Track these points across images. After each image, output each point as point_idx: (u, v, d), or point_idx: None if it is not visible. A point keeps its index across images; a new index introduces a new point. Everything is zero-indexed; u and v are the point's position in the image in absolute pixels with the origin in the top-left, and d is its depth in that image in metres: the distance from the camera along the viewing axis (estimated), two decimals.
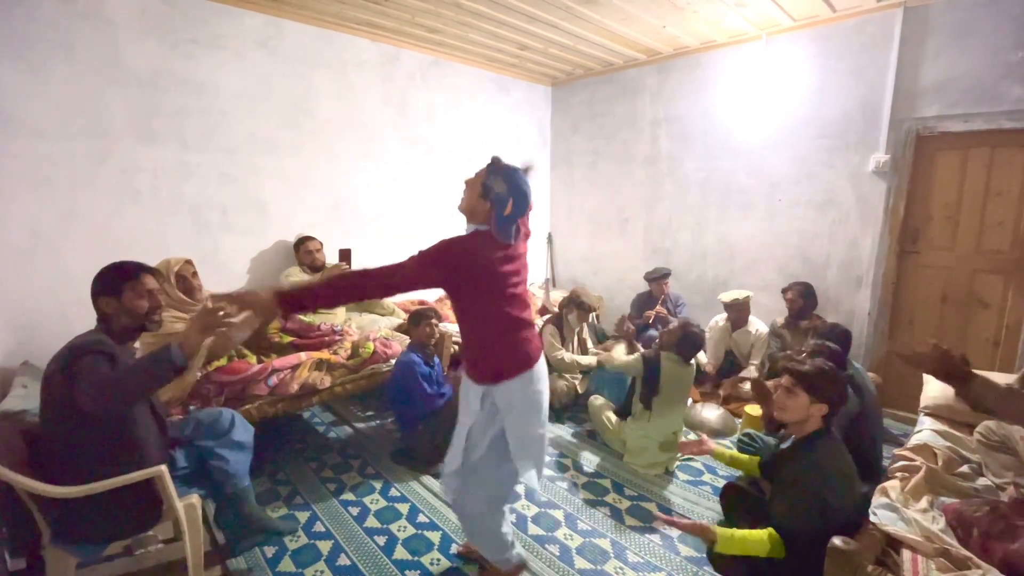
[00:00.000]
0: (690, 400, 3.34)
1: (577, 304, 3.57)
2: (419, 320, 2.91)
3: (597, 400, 3.14)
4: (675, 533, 2.28)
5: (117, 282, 1.63)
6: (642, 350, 2.97)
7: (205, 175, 3.16)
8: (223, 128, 3.20)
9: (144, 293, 1.66)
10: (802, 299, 3.47)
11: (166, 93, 2.96)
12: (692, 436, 3.18)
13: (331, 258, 3.55)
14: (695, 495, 2.58)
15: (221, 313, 1.51)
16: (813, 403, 1.66)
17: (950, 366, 1.42)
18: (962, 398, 1.45)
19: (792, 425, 1.73)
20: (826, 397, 1.66)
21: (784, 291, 3.56)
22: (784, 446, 1.93)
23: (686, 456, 2.92)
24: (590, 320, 4.10)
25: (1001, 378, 2.40)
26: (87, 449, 1.55)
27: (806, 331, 3.47)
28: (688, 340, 2.75)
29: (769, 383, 3.07)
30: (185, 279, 2.53)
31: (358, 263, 3.71)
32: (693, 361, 2.88)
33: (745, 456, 1.99)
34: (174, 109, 3.00)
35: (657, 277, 4.07)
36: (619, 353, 2.91)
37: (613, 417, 2.99)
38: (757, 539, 1.56)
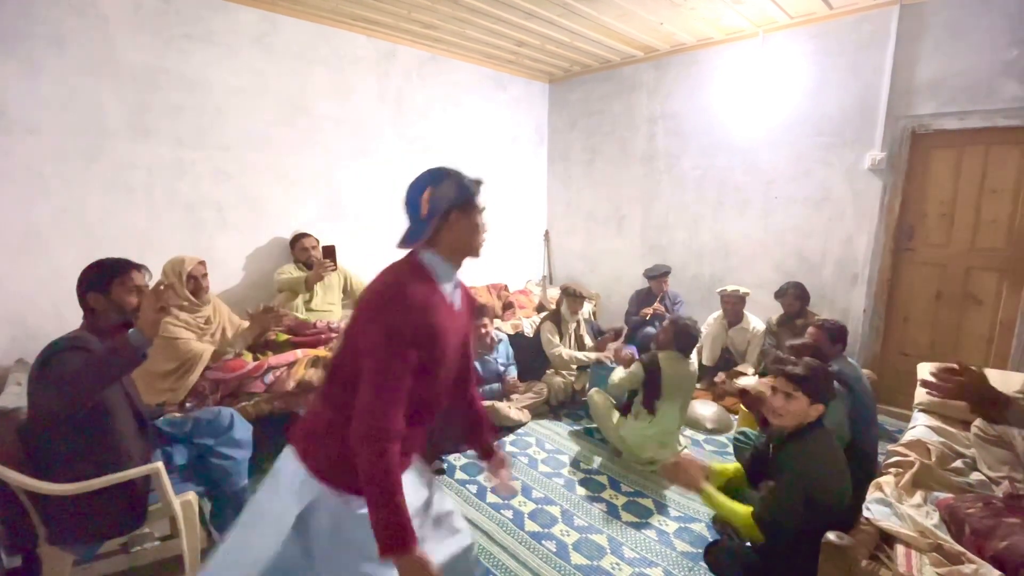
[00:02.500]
0: None
1: (568, 293, 3.57)
2: None
3: (598, 395, 3.13)
4: (671, 528, 2.29)
5: (105, 278, 1.62)
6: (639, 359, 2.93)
7: (200, 172, 3.14)
8: (218, 125, 3.18)
9: (132, 289, 1.65)
10: (798, 301, 3.48)
11: (160, 89, 2.94)
12: (688, 433, 3.19)
13: None
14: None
15: (162, 287, 1.52)
16: (812, 405, 1.65)
17: (984, 392, 1.42)
18: (993, 421, 1.44)
19: (790, 426, 1.70)
20: (823, 397, 1.66)
21: (778, 296, 3.55)
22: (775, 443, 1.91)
23: (684, 454, 2.93)
24: (587, 316, 4.11)
25: (997, 376, 2.42)
26: (67, 450, 1.53)
27: (802, 328, 3.48)
28: (683, 334, 2.75)
29: (761, 382, 3.09)
30: (196, 280, 2.51)
31: (354, 261, 3.71)
32: (694, 357, 2.88)
33: (739, 507, 1.65)
34: (168, 105, 2.98)
35: (657, 275, 4.07)
36: (618, 376, 2.88)
37: (615, 414, 2.98)
38: (738, 511, 1.64)
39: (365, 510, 1.07)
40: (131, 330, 1.48)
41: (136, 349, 1.47)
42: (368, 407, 1.08)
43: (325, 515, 1.16)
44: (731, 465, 1.97)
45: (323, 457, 1.18)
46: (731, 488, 1.87)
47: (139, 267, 1.71)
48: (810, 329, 2.61)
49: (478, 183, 1.26)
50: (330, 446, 1.17)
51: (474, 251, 1.28)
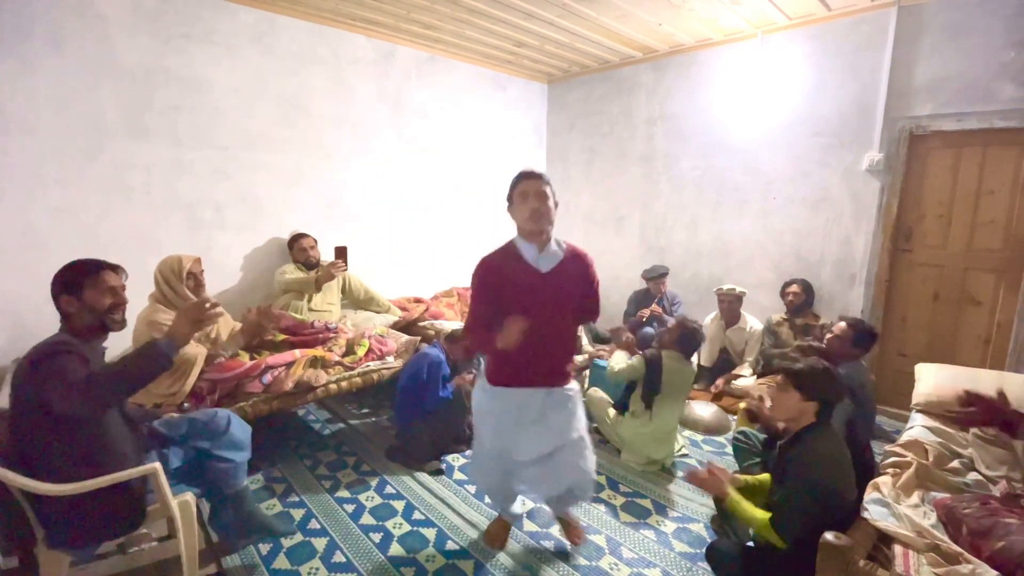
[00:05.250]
0: None
1: None
2: None
3: (596, 393, 3.13)
4: (669, 529, 2.29)
5: (77, 280, 1.58)
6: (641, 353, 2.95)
7: (199, 172, 3.14)
8: (217, 125, 3.18)
9: (106, 290, 1.61)
10: (805, 294, 3.50)
11: (158, 89, 2.94)
12: (687, 433, 3.20)
13: (326, 255, 3.54)
14: (689, 491, 2.60)
15: (208, 305, 1.57)
16: (803, 400, 1.67)
17: (1001, 415, 1.52)
18: (1015, 438, 1.53)
19: (788, 422, 1.74)
20: (816, 394, 1.67)
21: (787, 286, 3.58)
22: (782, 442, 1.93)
23: (681, 454, 2.94)
24: None
25: (994, 377, 2.42)
26: (56, 453, 1.51)
27: (802, 328, 3.49)
28: (688, 336, 2.77)
29: (760, 382, 3.10)
30: (195, 277, 2.49)
31: (354, 261, 3.70)
32: (694, 358, 2.90)
33: (759, 513, 1.66)
34: (167, 105, 2.98)
35: (656, 276, 4.08)
36: (618, 361, 2.89)
37: (612, 412, 2.99)
38: (758, 519, 1.63)
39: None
40: (162, 339, 1.52)
41: (166, 355, 1.49)
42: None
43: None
44: (755, 477, 1.98)
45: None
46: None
47: (113, 267, 1.66)
48: (841, 324, 2.53)
49: (519, 174, 1.84)
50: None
51: (523, 225, 1.79)
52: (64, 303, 1.58)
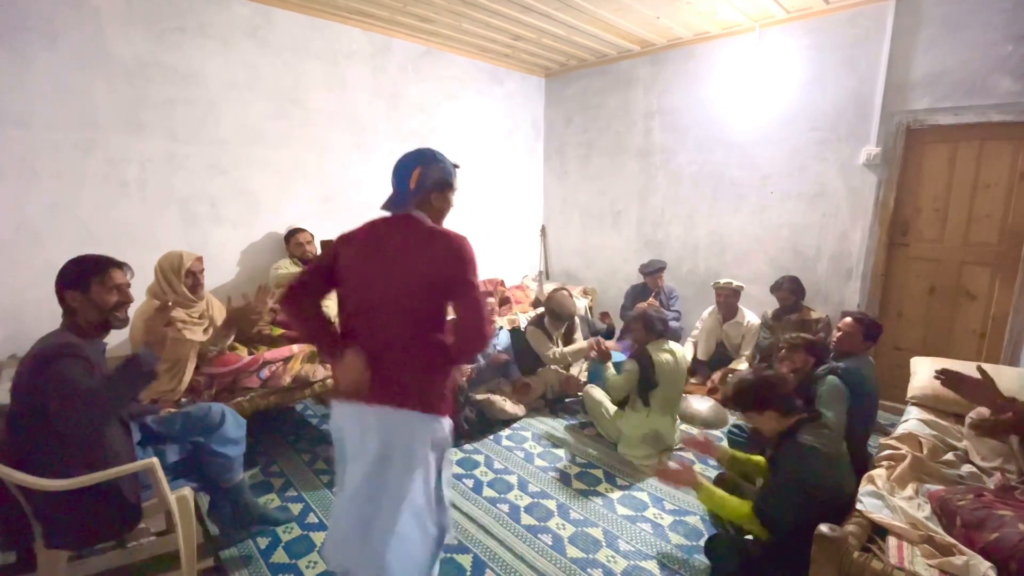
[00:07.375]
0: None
1: (552, 312, 3.55)
2: None
3: (594, 391, 3.15)
4: (666, 521, 2.30)
5: (84, 276, 1.58)
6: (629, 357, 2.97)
7: (194, 167, 3.12)
8: (212, 119, 3.16)
9: (112, 287, 1.61)
10: (793, 295, 3.51)
11: (153, 83, 2.91)
12: (684, 427, 3.21)
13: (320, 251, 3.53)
14: None
15: (169, 306, 1.64)
16: (782, 416, 1.73)
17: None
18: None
19: (777, 433, 1.78)
20: (769, 404, 1.73)
21: (774, 290, 3.58)
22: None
23: (678, 447, 2.95)
24: (582, 313, 4.11)
25: (990, 370, 2.43)
26: (52, 452, 1.51)
27: (796, 323, 3.50)
28: (648, 319, 2.84)
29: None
30: (194, 275, 2.47)
31: None
32: (682, 346, 2.91)
33: (736, 502, 1.74)
34: (161, 99, 2.95)
35: (652, 271, 4.08)
36: (614, 379, 2.93)
37: (611, 407, 3.01)
38: (735, 506, 1.67)
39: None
40: (141, 350, 1.53)
41: (150, 366, 1.51)
42: None
43: None
44: (755, 456, 2.00)
45: None
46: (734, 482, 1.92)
47: (120, 264, 1.66)
48: (846, 319, 2.52)
49: (456, 167, 1.56)
50: None
51: (440, 222, 1.57)
52: (69, 298, 1.58)
